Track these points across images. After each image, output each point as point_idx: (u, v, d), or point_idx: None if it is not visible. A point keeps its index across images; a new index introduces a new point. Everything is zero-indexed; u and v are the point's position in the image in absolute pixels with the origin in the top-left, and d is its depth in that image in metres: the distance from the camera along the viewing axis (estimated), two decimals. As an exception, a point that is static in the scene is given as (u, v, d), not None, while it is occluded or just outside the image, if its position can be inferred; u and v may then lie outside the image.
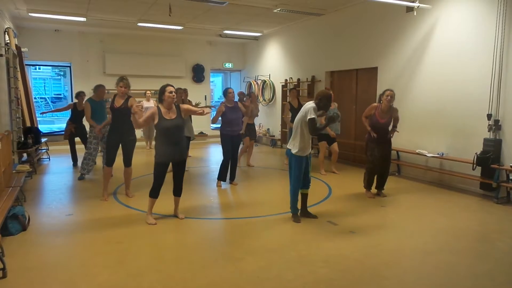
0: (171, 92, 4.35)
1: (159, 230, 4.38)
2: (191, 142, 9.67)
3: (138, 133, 10.91)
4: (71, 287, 3.08)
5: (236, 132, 6.38)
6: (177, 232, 4.40)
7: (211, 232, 4.53)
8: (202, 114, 4.54)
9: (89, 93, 9.57)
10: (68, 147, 8.38)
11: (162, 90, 4.39)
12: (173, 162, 4.52)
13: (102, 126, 6.22)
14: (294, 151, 4.54)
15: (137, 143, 5.82)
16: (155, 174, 4.50)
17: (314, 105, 4.48)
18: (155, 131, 4.56)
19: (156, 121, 4.33)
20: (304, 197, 4.80)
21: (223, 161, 6.38)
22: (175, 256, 3.72)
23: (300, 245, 3.94)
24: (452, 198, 5.78)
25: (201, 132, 12.43)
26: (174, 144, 4.41)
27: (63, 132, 11.53)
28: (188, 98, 8.89)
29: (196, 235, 4.34)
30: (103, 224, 4.57)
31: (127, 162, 5.60)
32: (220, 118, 6.32)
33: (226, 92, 6.38)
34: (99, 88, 6.82)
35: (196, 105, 8.59)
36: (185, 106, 4.63)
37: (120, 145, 5.51)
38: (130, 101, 5.26)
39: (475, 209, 5.32)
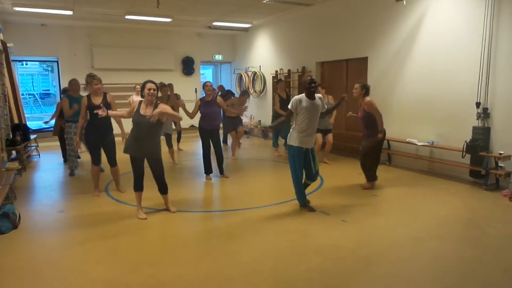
0: (149, 89, 4.31)
1: (151, 225, 4.37)
2: (181, 135, 9.69)
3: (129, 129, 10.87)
4: (64, 284, 3.07)
5: (214, 127, 6.32)
6: (169, 226, 4.40)
7: (204, 225, 4.54)
8: (176, 119, 4.59)
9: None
10: (57, 143, 8.29)
11: (143, 86, 4.39)
12: (139, 157, 4.49)
13: (79, 129, 5.52)
14: (289, 142, 4.67)
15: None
16: (131, 167, 4.54)
17: (299, 96, 4.61)
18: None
19: (133, 113, 4.40)
20: (305, 187, 4.89)
21: (202, 154, 6.41)
22: (168, 250, 3.72)
23: (292, 235, 3.97)
24: (442, 186, 5.86)
25: (192, 125, 12.39)
26: (139, 139, 4.38)
27: (52, 129, 11.50)
28: (176, 92, 8.83)
29: (188, 228, 4.35)
30: (95, 220, 4.55)
31: (112, 162, 5.51)
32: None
33: (203, 86, 6.35)
34: (72, 82, 6.73)
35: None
36: (162, 107, 4.40)
37: (101, 146, 5.43)
38: (108, 97, 5.31)
39: (464, 196, 5.40)
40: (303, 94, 4.60)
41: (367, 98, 5.47)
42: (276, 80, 9.81)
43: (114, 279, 3.12)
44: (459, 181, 6.08)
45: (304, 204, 4.77)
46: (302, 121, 4.55)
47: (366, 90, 5.51)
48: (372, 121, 5.49)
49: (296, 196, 4.80)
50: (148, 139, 4.40)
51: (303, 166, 4.71)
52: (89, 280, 3.11)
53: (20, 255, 3.62)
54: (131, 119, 4.42)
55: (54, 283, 3.09)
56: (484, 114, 5.76)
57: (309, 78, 4.55)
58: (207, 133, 6.30)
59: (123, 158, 5.69)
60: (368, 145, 5.62)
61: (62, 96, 7.99)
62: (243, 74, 12.50)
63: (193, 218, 4.71)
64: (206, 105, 6.22)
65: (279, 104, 8.12)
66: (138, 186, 4.56)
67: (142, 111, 4.35)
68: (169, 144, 7.68)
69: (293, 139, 4.62)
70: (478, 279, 3.08)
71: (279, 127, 4.52)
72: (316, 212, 4.67)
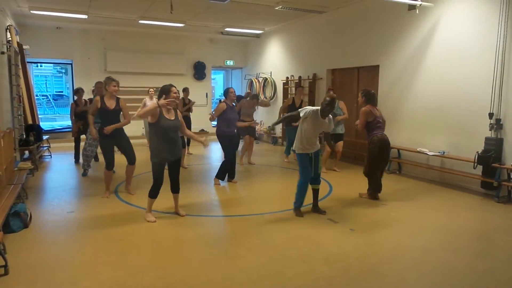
0: (176, 93, 4.43)
1: (160, 228, 4.40)
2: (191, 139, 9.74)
3: (139, 131, 10.98)
4: (72, 284, 3.10)
5: (233, 132, 6.40)
6: (177, 229, 4.41)
7: (212, 230, 4.54)
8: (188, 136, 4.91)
9: (88, 91, 9.63)
10: (69, 144, 8.42)
11: (167, 90, 4.41)
12: (170, 160, 4.54)
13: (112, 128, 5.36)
14: (295, 148, 4.81)
15: (138, 141, 5.84)
16: (154, 174, 4.51)
17: (315, 108, 4.72)
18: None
19: (155, 119, 4.34)
20: (314, 192, 4.93)
21: (225, 161, 6.36)
22: (176, 253, 3.73)
23: (300, 243, 3.96)
24: (453, 197, 5.78)
25: (202, 130, 12.45)
26: (172, 143, 4.44)
27: (64, 130, 11.66)
28: (189, 97, 8.95)
29: (196, 232, 4.35)
30: (105, 221, 4.59)
31: (131, 160, 5.61)
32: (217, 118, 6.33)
33: (227, 92, 6.36)
34: (97, 85, 6.97)
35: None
36: (180, 117, 4.60)
37: (116, 146, 5.51)
38: (121, 102, 5.39)
39: (475, 207, 5.32)
40: (318, 108, 4.67)
41: (363, 108, 5.45)
42: (296, 86, 9.75)
43: (121, 281, 3.14)
44: (470, 192, 6.00)
45: (297, 208, 4.83)
46: (305, 132, 4.68)
47: (366, 98, 5.47)
48: (368, 128, 5.47)
49: (295, 197, 4.84)
50: (177, 140, 4.55)
51: (311, 168, 4.78)
52: (97, 281, 3.14)
53: (30, 254, 3.66)
54: (157, 125, 4.33)
55: (63, 283, 3.12)
56: (497, 125, 5.69)
57: (328, 98, 4.61)
58: (229, 138, 6.31)
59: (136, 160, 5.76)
60: (366, 156, 5.57)
61: (75, 97, 8.13)
62: (254, 80, 12.55)
63: (202, 222, 4.72)
64: (231, 111, 6.27)
65: (286, 106, 8.28)
66: (156, 194, 4.59)
67: (167, 116, 4.40)
68: (183, 144, 7.73)
69: (298, 147, 4.77)
70: (488, 292, 3.04)
71: (276, 124, 4.78)
72: (324, 219, 4.65)
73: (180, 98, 7.94)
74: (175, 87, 4.48)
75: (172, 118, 4.44)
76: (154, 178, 4.52)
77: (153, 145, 4.48)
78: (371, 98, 5.47)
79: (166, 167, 4.59)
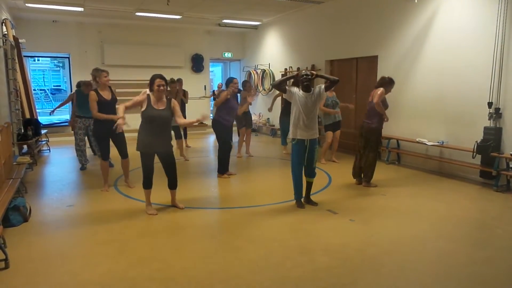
0: (159, 86, 4.25)
1: (159, 220, 4.40)
2: (188, 132, 9.69)
3: (135, 124, 10.94)
4: (72, 277, 3.10)
5: (231, 123, 6.31)
6: (177, 222, 4.42)
7: (211, 222, 4.55)
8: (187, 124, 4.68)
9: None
10: (67, 138, 8.40)
11: (152, 80, 4.31)
12: (156, 153, 4.47)
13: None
14: (290, 133, 4.73)
15: (133, 134, 5.83)
16: (142, 165, 4.50)
17: (297, 88, 4.75)
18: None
19: (143, 108, 4.28)
20: (308, 185, 4.90)
21: (220, 151, 6.28)
22: (176, 245, 3.74)
23: (300, 234, 3.97)
24: (452, 186, 5.79)
25: (201, 122, 12.40)
26: (156, 135, 4.32)
27: (63, 124, 11.62)
28: (185, 88, 8.88)
29: (196, 224, 4.36)
30: (104, 214, 4.60)
31: (123, 154, 5.59)
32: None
33: (230, 82, 6.17)
34: (88, 82, 6.96)
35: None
36: (176, 107, 4.45)
37: (110, 138, 5.48)
38: (114, 91, 5.46)
39: (475, 197, 5.34)
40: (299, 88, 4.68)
41: None
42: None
43: (121, 273, 3.15)
44: (469, 181, 6.01)
45: (298, 200, 4.82)
46: (295, 113, 4.62)
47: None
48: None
49: (294, 189, 4.84)
50: (163, 133, 4.37)
51: (303, 159, 4.71)
52: (97, 273, 3.14)
53: (30, 247, 3.67)
54: (144, 115, 4.30)
55: (63, 276, 3.13)
56: (496, 114, 5.68)
57: (303, 72, 4.65)
58: (225, 127, 6.21)
59: (131, 153, 5.75)
60: None
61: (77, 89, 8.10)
62: (252, 72, 12.49)
63: (201, 214, 4.73)
64: (233, 100, 6.22)
65: (280, 95, 8.41)
66: (149, 184, 4.58)
67: (155, 106, 4.29)
68: (178, 135, 7.71)
69: (292, 131, 4.69)
70: (486, 280, 3.05)
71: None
72: (324, 210, 4.66)
73: (176, 89, 7.94)
74: (161, 79, 4.27)
75: (161, 108, 4.31)
76: (142, 168, 4.53)
77: (139, 134, 4.39)
78: (380, 83, 5.80)
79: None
